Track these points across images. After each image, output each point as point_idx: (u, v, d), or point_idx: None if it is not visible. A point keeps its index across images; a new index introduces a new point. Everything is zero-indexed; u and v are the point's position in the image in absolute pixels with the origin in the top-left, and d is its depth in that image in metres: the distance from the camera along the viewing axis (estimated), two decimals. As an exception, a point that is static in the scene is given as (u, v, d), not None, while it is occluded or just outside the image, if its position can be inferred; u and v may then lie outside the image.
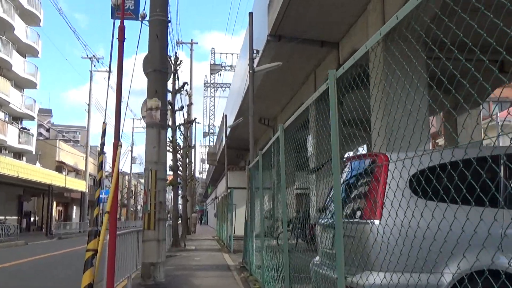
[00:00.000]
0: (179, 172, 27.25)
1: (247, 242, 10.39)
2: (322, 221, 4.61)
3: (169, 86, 18.57)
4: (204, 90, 62.72)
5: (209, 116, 59.63)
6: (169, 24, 8.28)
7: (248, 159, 38.14)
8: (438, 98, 2.84)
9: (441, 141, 27.77)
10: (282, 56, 14.38)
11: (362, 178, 4.08)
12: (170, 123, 18.28)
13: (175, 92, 18.36)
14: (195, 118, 22.60)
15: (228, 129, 23.17)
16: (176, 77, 18.69)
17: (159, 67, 8.28)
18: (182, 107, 19.01)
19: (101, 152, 4.55)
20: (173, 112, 18.21)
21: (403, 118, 3.30)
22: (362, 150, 18.88)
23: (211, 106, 57.47)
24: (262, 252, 7.32)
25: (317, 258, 4.85)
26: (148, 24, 8.35)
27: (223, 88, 59.40)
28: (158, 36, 8.26)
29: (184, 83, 18.53)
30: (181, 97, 19.83)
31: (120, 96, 5.56)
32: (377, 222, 3.63)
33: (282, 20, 12.95)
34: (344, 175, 4.83)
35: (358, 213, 3.92)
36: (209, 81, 56.92)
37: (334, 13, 12.30)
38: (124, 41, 5.91)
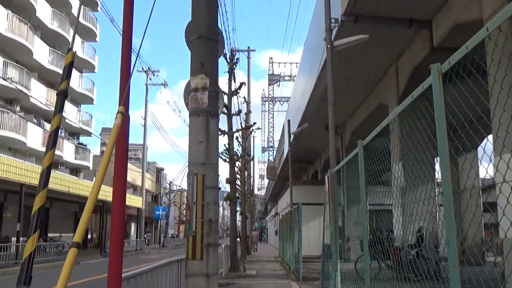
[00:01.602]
0: (237, 186, 25.08)
1: (329, 273, 7.84)
2: None
3: (225, 87, 16.45)
4: (262, 104, 60.88)
5: (268, 129, 57.53)
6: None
7: (311, 173, 35.46)
8: None
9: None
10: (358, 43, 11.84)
11: None
12: (226, 129, 16.11)
13: (231, 94, 16.18)
14: (255, 123, 20.33)
15: (291, 136, 20.74)
16: (233, 77, 16.55)
17: (206, 33, 6.00)
18: (239, 111, 16.79)
19: (58, 111, 2.29)
20: (230, 116, 16.02)
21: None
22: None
23: (270, 119, 55.29)
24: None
25: None
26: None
27: (281, 102, 57.28)
28: (205, -8, 6.02)
29: (242, 84, 16.33)
30: (238, 101, 17.65)
31: (131, 28, 3.23)
32: None
33: (360, -6, 10.47)
34: None
35: None
36: (267, 94, 54.91)
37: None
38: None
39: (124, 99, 2.77)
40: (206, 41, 6.00)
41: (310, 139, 24.46)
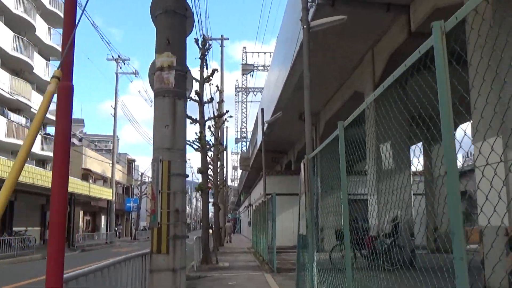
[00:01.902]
0: (210, 177, 24.58)
1: (305, 264, 7.49)
2: None
3: (197, 74, 15.89)
4: (235, 95, 60.28)
5: (241, 120, 57.00)
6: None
7: (284, 164, 35.17)
8: None
9: None
10: (334, 29, 11.44)
11: None
12: (198, 117, 15.57)
13: (203, 81, 15.63)
14: (227, 111, 19.71)
15: (265, 125, 20.28)
16: (205, 64, 15.99)
17: (173, 7, 5.49)
18: (211, 99, 16.24)
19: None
20: (201, 104, 15.48)
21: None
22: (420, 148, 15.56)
23: (243, 109, 54.71)
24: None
25: None
26: None
27: (255, 93, 56.77)
28: (171, -40, 5.49)
29: (214, 70, 15.77)
30: (210, 89, 17.09)
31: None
32: None
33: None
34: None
35: None
36: (240, 84, 54.34)
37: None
38: None
39: (64, 62, 2.27)
40: (173, 16, 5.49)
41: (284, 129, 24.12)
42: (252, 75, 49.49)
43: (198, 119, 15.41)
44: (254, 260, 16.95)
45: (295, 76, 16.63)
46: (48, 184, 26.90)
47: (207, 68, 16.25)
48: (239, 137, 60.37)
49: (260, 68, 45.39)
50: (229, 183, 64.20)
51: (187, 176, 5.38)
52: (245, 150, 48.36)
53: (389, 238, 12.11)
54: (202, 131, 15.05)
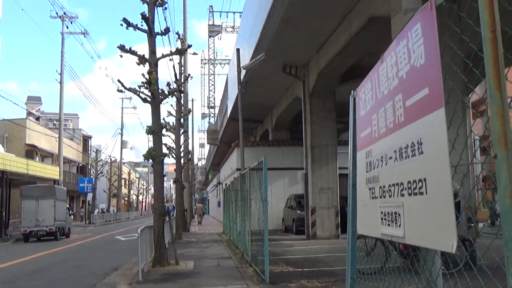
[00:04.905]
0: (172, 151, 19.91)
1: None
2: None
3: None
4: (202, 67, 55.21)
5: (208, 93, 52.01)
6: None
7: (259, 134, 30.59)
8: None
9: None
10: None
11: None
12: (147, 53, 10.81)
13: (154, 2, 10.81)
14: (190, 45, 14.57)
15: (242, 72, 15.56)
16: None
17: None
18: (167, 30, 11.41)
19: None
20: (152, 35, 10.71)
21: None
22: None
23: (210, 76, 49.58)
24: None
25: None
26: None
27: (222, 65, 51.92)
28: None
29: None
30: (164, 16, 12.30)
31: None
32: None
33: None
34: None
35: None
36: (207, 48, 49.15)
37: None
38: None
39: None
40: None
41: (262, 86, 19.61)
42: (220, 38, 44.43)
43: (147, 56, 10.67)
44: (229, 255, 12.48)
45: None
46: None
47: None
48: (206, 112, 55.55)
49: (229, 29, 40.41)
50: (195, 162, 59.29)
51: None
52: (213, 122, 43.54)
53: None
54: (152, 71, 10.29)
